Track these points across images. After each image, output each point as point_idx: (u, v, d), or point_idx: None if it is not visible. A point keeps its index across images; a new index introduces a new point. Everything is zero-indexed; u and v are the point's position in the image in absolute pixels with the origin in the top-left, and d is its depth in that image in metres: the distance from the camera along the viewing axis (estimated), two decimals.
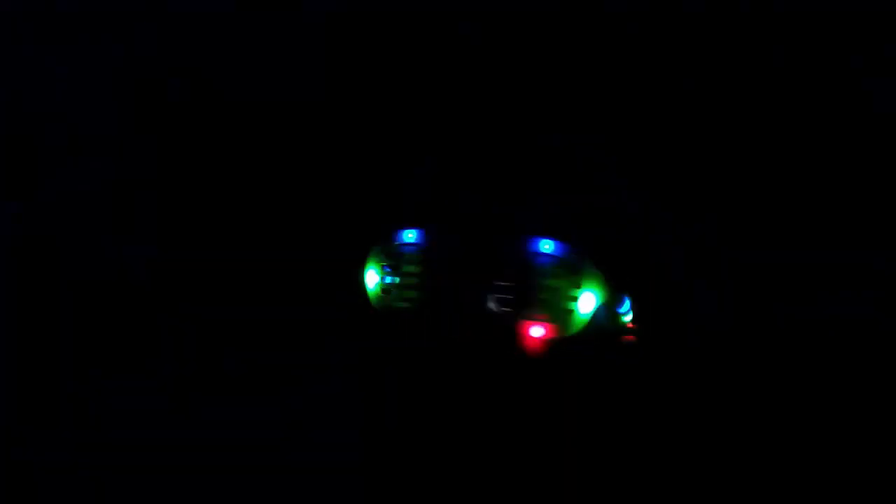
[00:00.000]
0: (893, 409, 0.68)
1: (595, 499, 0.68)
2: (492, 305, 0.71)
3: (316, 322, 0.79)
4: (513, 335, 0.70)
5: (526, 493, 0.69)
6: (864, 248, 0.73)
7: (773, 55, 0.79)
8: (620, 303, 0.71)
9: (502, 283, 0.70)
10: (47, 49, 0.88)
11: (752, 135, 0.78)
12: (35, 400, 0.78)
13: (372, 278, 0.75)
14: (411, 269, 0.73)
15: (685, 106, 0.80)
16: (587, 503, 0.68)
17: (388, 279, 0.74)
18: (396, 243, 0.74)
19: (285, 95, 0.86)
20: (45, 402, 0.78)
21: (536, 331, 0.70)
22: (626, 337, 0.73)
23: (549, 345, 0.71)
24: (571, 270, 0.70)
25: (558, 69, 0.83)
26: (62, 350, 0.80)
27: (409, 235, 0.74)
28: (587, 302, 0.70)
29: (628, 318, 0.73)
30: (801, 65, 0.78)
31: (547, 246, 0.71)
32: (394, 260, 0.74)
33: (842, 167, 0.76)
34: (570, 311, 0.70)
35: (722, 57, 0.79)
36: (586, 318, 0.70)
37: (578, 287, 0.70)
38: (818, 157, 0.76)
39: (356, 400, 0.75)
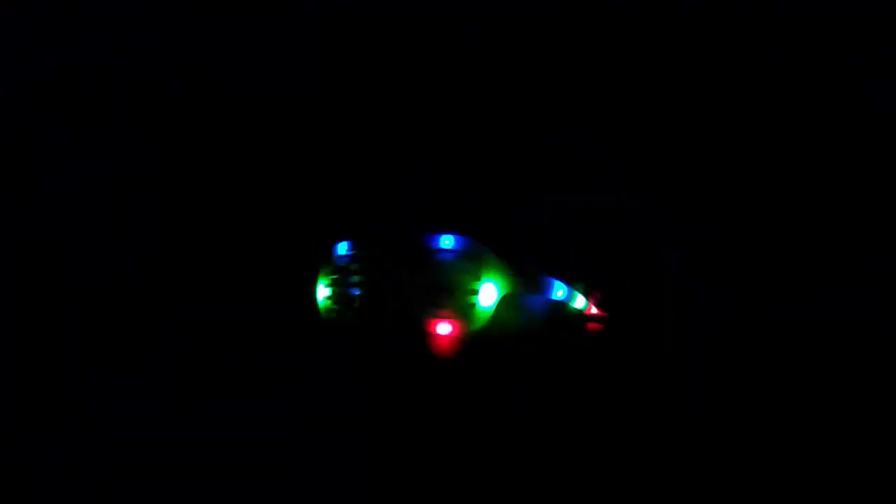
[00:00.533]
0: (893, 409, 0.68)
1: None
2: (402, 307, 0.71)
3: (316, 322, 0.79)
4: (424, 334, 0.71)
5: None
6: (865, 248, 0.73)
7: (773, 55, 0.79)
8: (545, 289, 0.71)
9: (413, 283, 0.71)
10: (47, 49, 0.88)
11: (752, 135, 0.78)
12: (35, 400, 0.78)
13: (322, 292, 0.77)
14: (353, 279, 0.74)
15: (685, 106, 0.80)
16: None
17: (329, 291, 0.76)
18: (335, 256, 0.76)
19: (285, 95, 0.86)
20: (45, 402, 0.78)
21: (442, 328, 0.70)
22: (591, 325, 0.73)
23: (459, 341, 0.71)
24: (473, 264, 0.70)
25: (558, 69, 0.83)
26: (62, 350, 0.80)
27: (342, 248, 0.75)
28: (488, 294, 0.70)
29: (584, 306, 0.72)
30: (801, 65, 0.78)
31: (447, 241, 0.71)
32: (332, 272, 0.76)
33: (842, 167, 0.76)
34: (472, 305, 0.70)
35: (722, 57, 0.79)
36: (489, 311, 0.70)
37: (478, 280, 0.70)
38: (818, 157, 0.77)
39: (356, 400, 0.75)
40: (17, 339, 0.81)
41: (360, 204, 0.83)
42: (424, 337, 0.71)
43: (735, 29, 0.79)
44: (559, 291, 0.72)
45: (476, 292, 0.70)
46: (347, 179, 0.84)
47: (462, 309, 0.70)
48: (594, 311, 0.74)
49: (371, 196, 0.83)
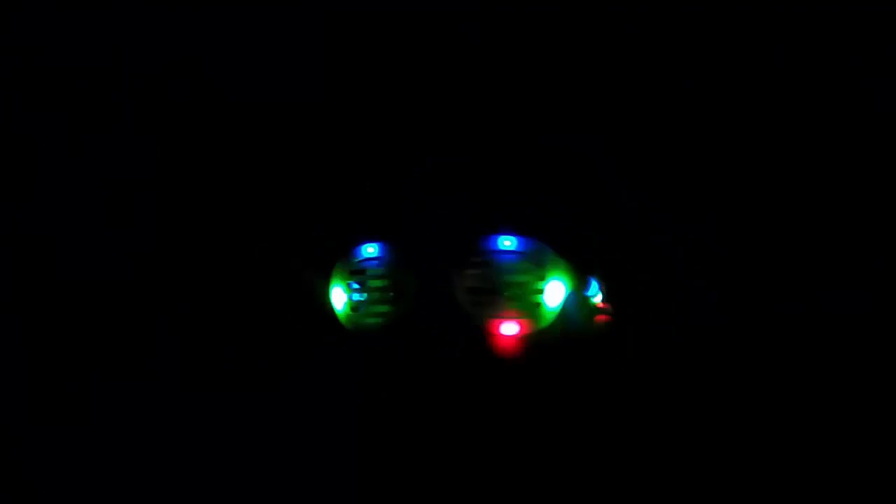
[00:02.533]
0: (893, 410, 0.68)
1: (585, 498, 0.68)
2: (462, 309, 0.71)
3: (316, 321, 0.79)
4: (485, 336, 0.70)
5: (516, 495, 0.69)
6: (865, 247, 0.73)
7: (773, 55, 0.79)
8: (587, 286, 0.71)
9: (469, 285, 0.70)
10: (46, 48, 0.88)
11: (752, 135, 0.78)
12: (35, 400, 0.78)
13: (339, 297, 0.75)
14: (379, 283, 0.73)
15: (685, 106, 0.80)
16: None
17: (356, 296, 0.74)
18: (358, 259, 0.74)
19: (285, 95, 0.86)
20: (45, 402, 0.78)
21: (508, 328, 0.70)
22: (600, 317, 0.72)
23: (524, 341, 0.71)
24: (535, 263, 0.70)
25: (558, 69, 0.83)
26: (62, 350, 0.80)
27: (370, 249, 0.74)
28: (555, 293, 0.70)
29: (598, 298, 0.72)
30: (801, 65, 0.78)
31: (507, 242, 0.70)
32: (359, 276, 0.73)
33: (842, 167, 0.76)
34: (539, 305, 0.70)
35: (722, 57, 0.79)
36: (556, 310, 0.70)
37: (544, 279, 0.70)
38: (818, 157, 0.76)
39: (355, 401, 0.75)
40: (16, 340, 0.81)
41: (360, 204, 0.82)
42: (484, 339, 0.70)
43: (735, 29, 0.79)
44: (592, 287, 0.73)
45: (542, 291, 0.70)
46: (347, 179, 0.84)
47: (529, 308, 0.70)
48: (602, 303, 0.73)
49: (371, 196, 0.83)
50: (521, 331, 0.71)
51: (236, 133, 0.87)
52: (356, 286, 0.74)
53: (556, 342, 0.71)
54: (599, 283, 0.72)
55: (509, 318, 0.70)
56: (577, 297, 0.71)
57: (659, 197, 0.78)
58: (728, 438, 0.69)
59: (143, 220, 0.85)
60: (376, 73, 0.86)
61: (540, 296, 0.70)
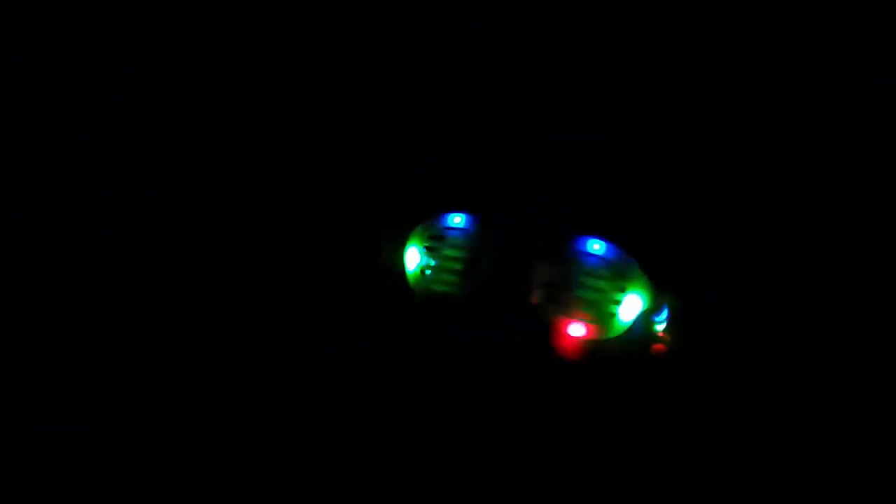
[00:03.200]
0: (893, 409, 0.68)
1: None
2: (535, 299, 0.70)
3: (316, 321, 0.79)
4: (551, 331, 0.70)
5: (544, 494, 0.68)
6: (865, 247, 0.73)
7: (773, 55, 0.79)
8: (660, 311, 0.70)
9: (547, 278, 0.70)
10: (46, 48, 0.88)
11: (752, 135, 0.78)
12: (35, 400, 0.78)
13: (413, 258, 0.74)
14: (456, 253, 0.72)
15: (685, 106, 0.80)
16: None
17: (433, 261, 0.73)
18: (443, 225, 0.74)
19: (285, 95, 0.86)
20: (45, 402, 0.78)
21: (576, 329, 0.69)
22: (657, 346, 0.71)
23: (587, 346, 0.70)
24: (618, 273, 0.69)
25: (558, 69, 0.83)
26: (62, 350, 0.80)
27: (457, 220, 0.73)
28: (631, 307, 0.69)
29: (661, 326, 0.71)
30: (801, 65, 0.78)
31: (596, 246, 0.70)
32: (439, 242, 0.73)
33: (842, 167, 0.76)
34: (612, 315, 0.69)
35: (722, 57, 0.79)
36: (628, 324, 0.69)
37: (623, 291, 0.69)
38: (818, 157, 0.76)
39: (359, 399, 0.75)
40: (16, 340, 0.81)
41: (360, 204, 0.82)
42: (547, 335, 0.70)
43: (735, 29, 0.79)
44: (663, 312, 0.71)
45: (619, 302, 0.69)
46: (347, 179, 0.84)
47: (602, 315, 0.69)
48: (663, 332, 0.71)
49: (371, 196, 0.83)
50: (587, 336, 0.70)
51: (236, 133, 0.87)
52: (433, 251, 0.73)
53: (620, 357, 0.70)
54: (669, 310, 0.71)
55: (579, 320, 0.69)
56: (648, 320, 0.70)
57: (659, 197, 0.78)
58: (732, 441, 0.69)
59: (143, 220, 0.85)
60: (376, 73, 0.86)
61: (616, 306, 0.69)
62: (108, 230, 0.85)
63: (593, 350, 0.70)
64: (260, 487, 0.72)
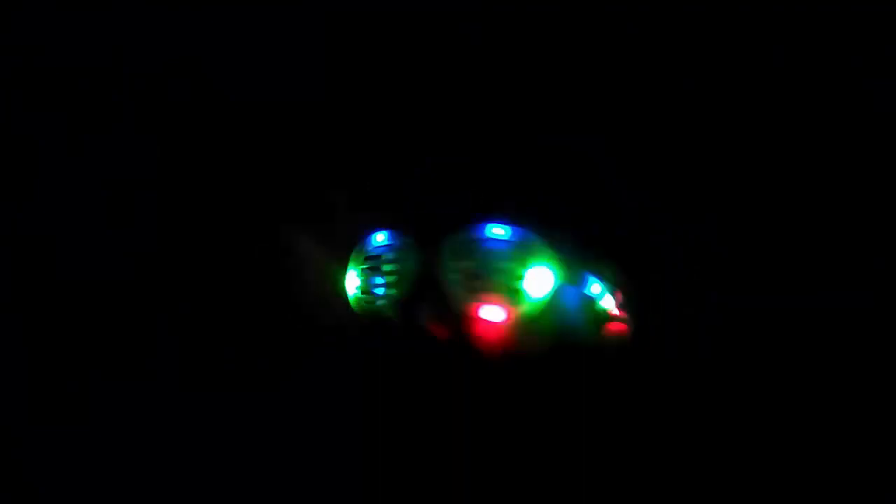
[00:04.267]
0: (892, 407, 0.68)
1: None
2: (451, 294, 0.71)
3: (316, 321, 0.79)
4: (468, 320, 0.71)
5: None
6: (864, 247, 0.73)
7: (773, 55, 0.79)
8: (582, 281, 0.71)
9: (454, 272, 0.71)
10: (46, 48, 0.88)
11: (752, 135, 0.78)
12: (35, 400, 0.78)
13: (352, 282, 0.77)
14: (388, 268, 0.75)
15: (685, 106, 0.80)
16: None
17: (369, 281, 0.76)
18: (371, 246, 0.76)
19: (285, 95, 0.86)
20: (46, 402, 0.78)
21: (489, 313, 0.71)
22: (613, 326, 0.72)
23: (507, 329, 0.71)
24: (521, 250, 0.71)
25: (558, 69, 0.83)
26: (62, 350, 0.80)
27: (380, 237, 0.76)
28: (539, 280, 0.70)
29: (611, 305, 0.72)
30: (801, 65, 0.78)
31: (497, 230, 0.71)
32: (371, 262, 0.76)
33: (842, 167, 0.76)
34: (518, 291, 0.70)
35: (722, 57, 0.79)
36: (541, 299, 0.70)
37: (525, 265, 0.70)
38: (818, 157, 0.76)
39: (356, 400, 0.75)
40: (16, 340, 0.81)
41: (360, 203, 0.82)
42: (467, 324, 0.71)
43: (735, 29, 0.79)
44: (594, 287, 0.72)
45: (522, 277, 0.70)
46: (347, 179, 0.84)
47: (510, 294, 0.71)
48: (617, 311, 0.73)
49: (370, 195, 0.83)
50: (504, 318, 0.71)
51: (236, 133, 0.87)
52: (369, 271, 0.76)
53: (546, 337, 0.71)
54: (608, 286, 0.72)
55: (491, 302, 0.71)
56: (579, 297, 0.71)
57: (659, 197, 0.78)
58: (725, 437, 0.69)
59: (143, 220, 0.85)
60: (376, 73, 0.86)
61: (520, 281, 0.70)
62: (108, 230, 0.85)
63: (513, 332, 0.71)
64: (260, 487, 0.72)
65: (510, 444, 0.70)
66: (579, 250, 0.72)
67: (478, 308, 0.71)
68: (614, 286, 0.72)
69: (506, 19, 0.83)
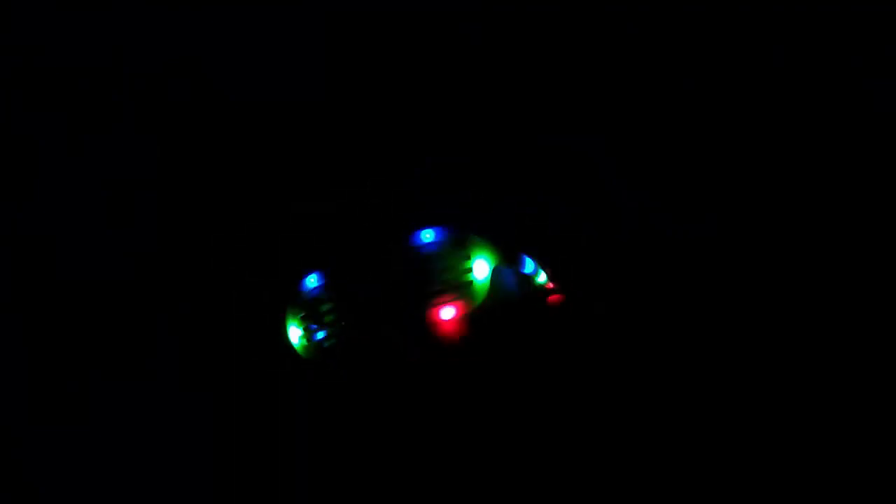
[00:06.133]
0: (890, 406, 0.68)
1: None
2: (404, 308, 0.74)
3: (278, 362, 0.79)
4: (430, 326, 0.74)
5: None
6: (864, 247, 0.73)
7: (773, 55, 0.79)
8: (518, 262, 0.75)
9: (401, 282, 0.73)
10: (46, 48, 0.88)
11: (752, 134, 0.78)
12: (35, 400, 0.78)
13: (295, 333, 0.76)
14: (327, 307, 0.74)
15: (685, 106, 0.80)
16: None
17: (311, 327, 0.75)
18: (304, 292, 0.75)
19: (285, 95, 0.86)
20: (46, 402, 0.78)
21: (447, 312, 0.74)
22: (552, 297, 0.76)
23: (466, 321, 0.74)
24: (456, 246, 0.74)
25: (558, 69, 0.83)
26: (62, 350, 0.80)
27: (311, 281, 0.75)
28: (481, 268, 0.74)
29: (542, 278, 0.76)
30: (801, 65, 0.78)
31: (427, 235, 0.74)
32: (308, 309, 0.75)
33: (842, 167, 0.76)
34: (470, 283, 0.74)
35: (722, 57, 0.80)
36: (485, 284, 0.74)
37: (469, 258, 0.74)
38: (818, 157, 0.77)
39: (353, 402, 0.75)
40: (16, 340, 0.81)
41: (360, 203, 0.82)
42: (428, 330, 0.73)
43: (735, 29, 0.79)
44: (528, 265, 0.76)
45: (470, 269, 0.74)
46: (347, 179, 0.84)
47: (461, 288, 0.74)
48: (551, 284, 0.77)
49: (371, 195, 0.83)
50: (458, 313, 0.74)
51: (236, 133, 0.87)
52: (307, 319, 0.75)
53: (498, 319, 0.74)
54: (536, 261, 0.75)
55: (445, 303, 0.74)
56: (513, 275, 0.75)
57: (659, 197, 0.78)
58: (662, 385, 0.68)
59: (143, 220, 0.85)
60: (376, 73, 0.86)
61: (469, 274, 0.74)
62: (108, 230, 0.85)
63: (471, 324, 0.74)
64: (260, 487, 0.72)
65: (499, 434, 0.69)
66: (508, 235, 0.75)
67: (437, 312, 0.74)
68: (544, 263, 0.76)
69: (506, 19, 0.84)
